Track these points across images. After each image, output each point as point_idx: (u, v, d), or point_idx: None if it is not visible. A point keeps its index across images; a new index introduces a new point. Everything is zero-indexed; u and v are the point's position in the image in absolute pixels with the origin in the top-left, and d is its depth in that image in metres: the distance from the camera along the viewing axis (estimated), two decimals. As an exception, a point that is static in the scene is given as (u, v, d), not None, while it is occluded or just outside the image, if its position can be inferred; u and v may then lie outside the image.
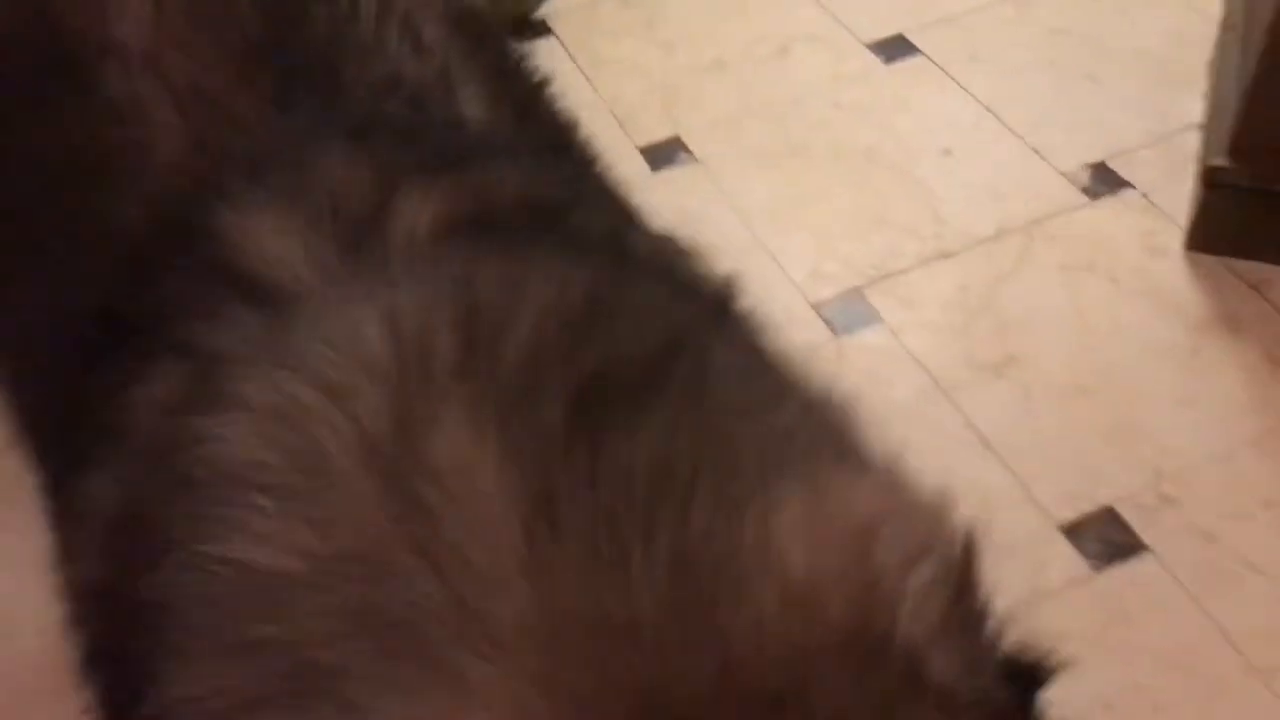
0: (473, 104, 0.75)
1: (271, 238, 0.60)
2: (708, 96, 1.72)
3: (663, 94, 1.73)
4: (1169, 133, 1.54)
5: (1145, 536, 1.20)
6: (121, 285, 0.65)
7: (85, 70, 0.71)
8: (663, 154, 1.65)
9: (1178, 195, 1.44)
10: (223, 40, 0.71)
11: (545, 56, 1.82)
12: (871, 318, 1.42)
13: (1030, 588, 1.16)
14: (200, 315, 0.58)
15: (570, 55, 1.81)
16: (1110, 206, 1.49)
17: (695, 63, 1.77)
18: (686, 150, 1.64)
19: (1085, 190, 1.51)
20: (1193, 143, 1.48)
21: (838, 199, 1.55)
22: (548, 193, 0.69)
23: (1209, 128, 1.39)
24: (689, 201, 1.57)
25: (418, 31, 0.76)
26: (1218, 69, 1.44)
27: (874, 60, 1.72)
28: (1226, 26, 1.46)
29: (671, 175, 1.62)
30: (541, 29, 1.86)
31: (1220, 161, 1.34)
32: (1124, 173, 1.52)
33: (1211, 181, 1.36)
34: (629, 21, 1.85)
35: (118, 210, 0.68)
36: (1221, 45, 1.45)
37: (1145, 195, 1.49)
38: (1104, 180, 1.51)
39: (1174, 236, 1.43)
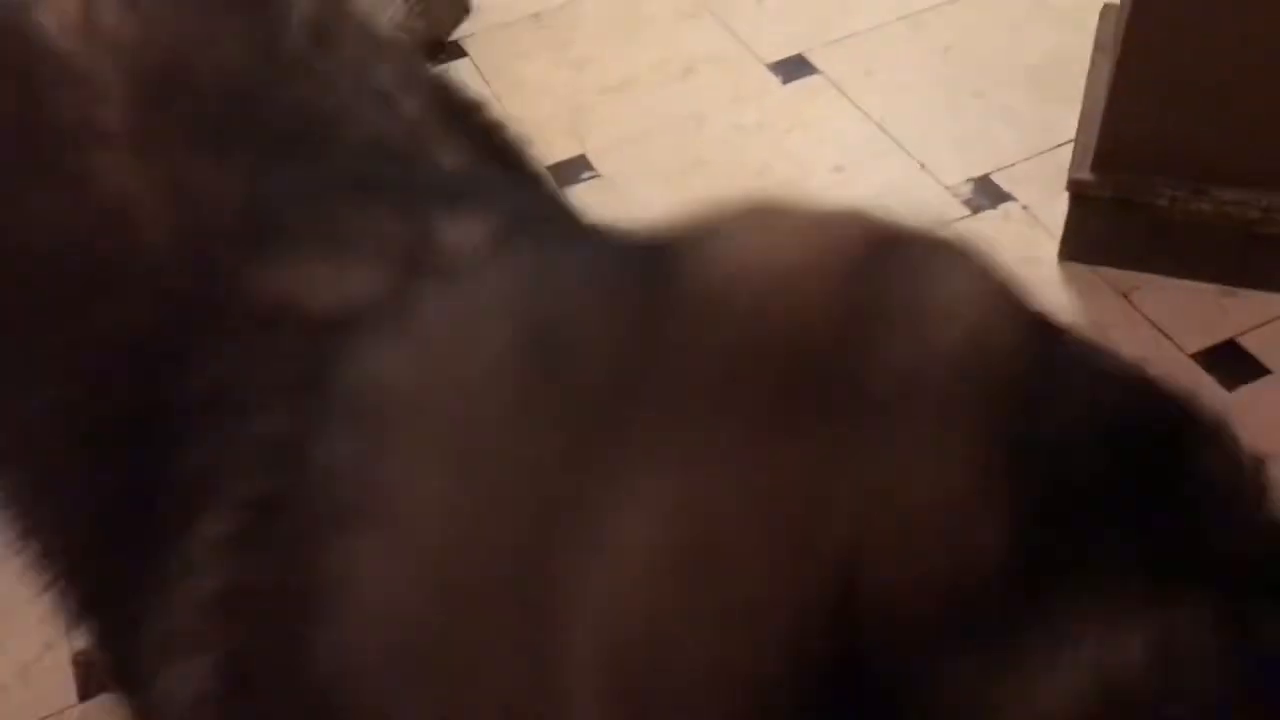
0: (452, 158, 0.76)
1: (330, 277, 0.61)
2: (614, 116, 1.77)
3: (571, 113, 1.78)
4: (1049, 147, 1.60)
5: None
6: (173, 371, 0.64)
7: (73, 160, 0.70)
8: (569, 171, 1.70)
9: (1055, 208, 1.50)
10: (193, 120, 0.71)
11: (459, 78, 1.87)
12: (761, 329, 1.47)
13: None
14: (280, 364, 0.60)
15: (483, 76, 1.86)
16: (991, 219, 1.55)
17: (603, 82, 1.82)
18: (591, 168, 1.69)
19: (967, 204, 1.56)
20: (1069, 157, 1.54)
21: (734, 214, 1.60)
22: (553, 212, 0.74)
23: (1078, 142, 1.45)
24: (593, 217, 1.62)
25: (395, 102, 0.77)
26: (1089, 87, 1.50)
27: (773, 80, 1.78)
28: (1098, 46, 1.52)
29: (577, 192, 1.67)
30: (456, 51, 1.91)
31: (1084, 174, 1.40)
32: (1005, 186, 1.58)
33: (1077, 193, 1.42)
34: (541, 42, 1.90)
35: (120, 317, 0.67)
36: (1094, 64, 1.51)
37: (1025, 208, 1.55)
38: (986, 194, 1.57)
39: (1050, 247, 1.49)
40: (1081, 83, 1.60)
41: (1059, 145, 1.58)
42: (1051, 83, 1.68)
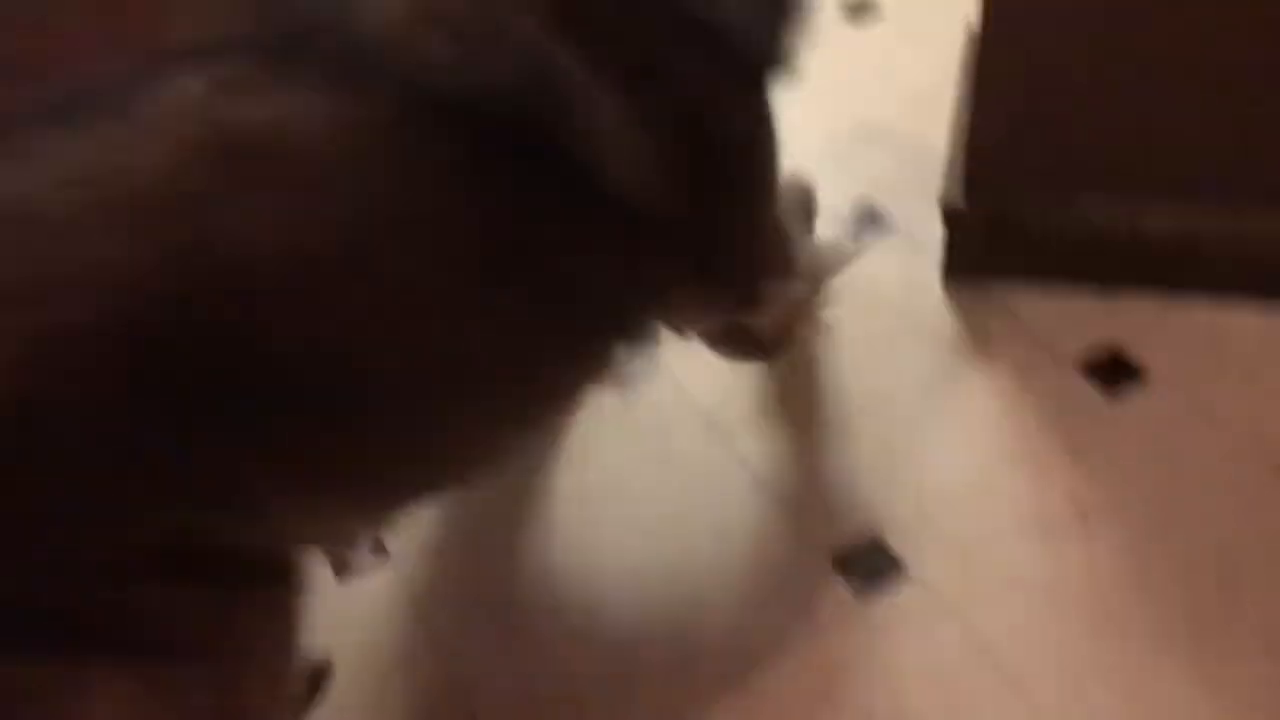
0: None
1: None
2: None
3: None
4: (928, 173, 1.62)
5: (908, 561, 1.26)
6: None
7: None
8: None
9: (934, 229, 1.52)
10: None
11: None
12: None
13: (802, 622, 1.22)
14: None
15: None
16: (875, 245, 1.57)
17: None
18: None
19: (849, 231, 1.58)
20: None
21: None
22: None
23: (948, 165, 1.48)
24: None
25: None
26: (956, 110, 1.52)
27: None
28: (963, 71, 1.55)
29: None
30: None
31: (955, 196, 1.42)
32: (886, 212, 1.60)
33: (951, 215, 1.44)
34: None
35: None
36: (960, 88, 1.54)
37: (906, 234, 1.57)
38: (867, 218, 1.59)
39: (933, 270, 1.51)
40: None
41: (936, 170, 1.61)
42: (927, 108, 1.71)
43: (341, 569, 1.32)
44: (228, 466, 0.74)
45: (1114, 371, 1.37)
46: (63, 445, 0.67)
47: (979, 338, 1.44)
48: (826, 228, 1.59)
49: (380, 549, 1.33)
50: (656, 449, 1.39)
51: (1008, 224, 1.42)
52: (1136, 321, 1.41)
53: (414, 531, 1.35)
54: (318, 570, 1.30)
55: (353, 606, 1.29)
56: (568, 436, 1.42)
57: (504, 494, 1.38)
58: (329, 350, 0.76)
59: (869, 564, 1.26)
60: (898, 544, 1.27)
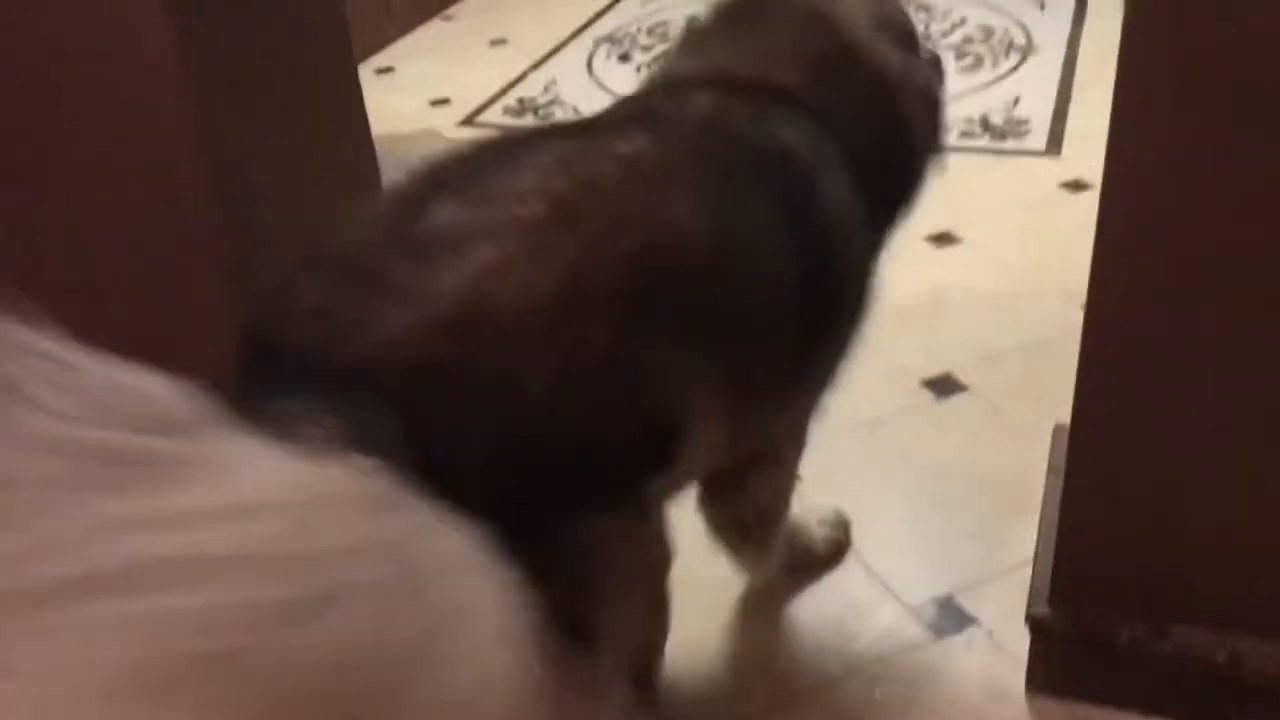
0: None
1: None
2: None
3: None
4: (1012, 565, 1.57)
5: None
6: None
7: None
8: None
9: (1020, 632, 1.45)
10: None
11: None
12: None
13: None
14: None
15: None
16: (954, 645, 1.49)
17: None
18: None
19: (931, 627, 1.52)
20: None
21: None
22: None
23: (1035, 572, 1.42)
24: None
25: None
26: (1044, 512, 1.49)
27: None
28: (1051, 469, 1.53)
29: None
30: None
31: (1042, 608, 1.36)
32: (969, 608, 1.54)
33: (1037, 628, 1.38)
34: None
35: None
36: (1048, 487, 1.51)
37: (989, 633, 1.50)
38: (949, 616, 1.53)
39: (1017, 677, 1.43)
40: (1040, 496, 1.59)
41: (1022, 564, 1.55)
42: (1012, 496, 1.68)
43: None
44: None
45: (1218, 823, 1.25)
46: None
47: (1067, 763, 1.34)
48: (905, 622, 1.53)
49: None
50: None
51: (1098, 641, 1.35)
52: (1241, 763, 1.30)
53: None
54: None
55: None
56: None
57: None
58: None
59: None
60: None
